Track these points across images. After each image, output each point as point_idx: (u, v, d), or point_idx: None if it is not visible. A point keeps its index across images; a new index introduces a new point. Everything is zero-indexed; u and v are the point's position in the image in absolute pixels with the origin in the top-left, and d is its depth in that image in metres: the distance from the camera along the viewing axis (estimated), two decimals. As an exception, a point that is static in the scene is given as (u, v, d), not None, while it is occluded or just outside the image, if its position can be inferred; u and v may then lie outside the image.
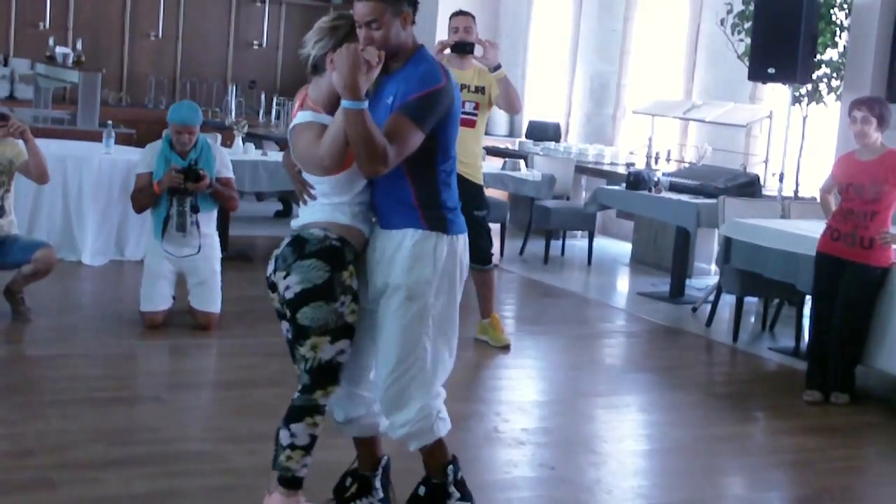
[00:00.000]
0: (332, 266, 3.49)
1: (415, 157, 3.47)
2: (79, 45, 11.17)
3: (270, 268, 3.61)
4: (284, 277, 3.52)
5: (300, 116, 3.57)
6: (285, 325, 3.62)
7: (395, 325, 3.54)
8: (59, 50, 10.88)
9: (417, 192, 3.55)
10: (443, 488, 3.71)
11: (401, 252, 3.55)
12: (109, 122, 8.67)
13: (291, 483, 3.58)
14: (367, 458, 3.87)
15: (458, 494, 3.72)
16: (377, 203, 3.60)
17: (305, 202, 3.62)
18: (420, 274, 3.54)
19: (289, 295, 3.52)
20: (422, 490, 3.75)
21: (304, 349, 3.55)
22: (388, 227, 3.58)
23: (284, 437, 3.58)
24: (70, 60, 10.52)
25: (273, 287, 3.60)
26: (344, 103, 3.34)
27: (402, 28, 3.52)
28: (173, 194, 6.17)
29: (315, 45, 3.57)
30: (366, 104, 3.34)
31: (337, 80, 3.38)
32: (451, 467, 3.73)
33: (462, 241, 3.67)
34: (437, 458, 3.71)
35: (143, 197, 6.26)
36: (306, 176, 3.60)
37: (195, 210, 6.22)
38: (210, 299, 6.36)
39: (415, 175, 3.53)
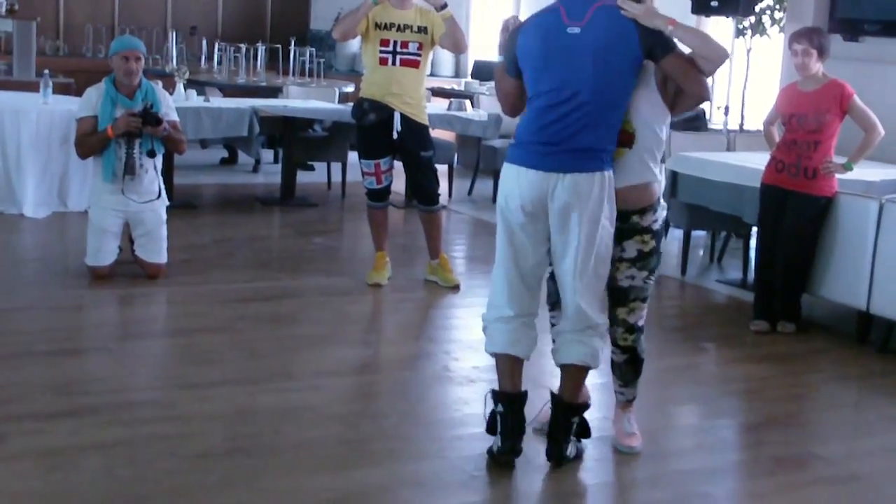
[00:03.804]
0: None
1: None
2: (12, -6, 10.92)
3: None
4: None
5: None
6: None
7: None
8: (-9, -1, 10.66)
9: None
10: (584, 424, 4.08)
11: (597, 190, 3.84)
12: (46, 71, 8.50)
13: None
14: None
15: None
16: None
17: None
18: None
19: None
20: (575, 420, 4.02)
21: None
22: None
23: None
24: (3, 9, 10.31)
25: None
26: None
27: None
28: (125, 138, 6.06)
29: None
30: None
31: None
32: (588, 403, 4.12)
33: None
34: (580, 388, 4.06)
35: (93, 142, 6.08)
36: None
37: (152, 154, 6.12)
38: (157, 249, 6.28)
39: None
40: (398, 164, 6.47)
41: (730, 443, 4.59)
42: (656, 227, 3.99)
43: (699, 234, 7.84)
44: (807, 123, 5.88)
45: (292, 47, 11.18)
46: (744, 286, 6.92)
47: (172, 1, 13.37)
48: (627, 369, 4.20)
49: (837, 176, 5.93)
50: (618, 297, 4.05)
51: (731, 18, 8.33)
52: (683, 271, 7.23)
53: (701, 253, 7.89)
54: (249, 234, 7.87)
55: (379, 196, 6.42)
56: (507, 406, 3.95)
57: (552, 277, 4.09)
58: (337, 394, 4.73)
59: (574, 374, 3.99)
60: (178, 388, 4.61)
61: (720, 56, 3.85)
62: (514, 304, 3.98)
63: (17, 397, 4.38)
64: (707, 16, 8.81)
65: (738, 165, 6.61)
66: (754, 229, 6.61)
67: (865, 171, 6.28)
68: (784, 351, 5.70)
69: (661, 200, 4.02)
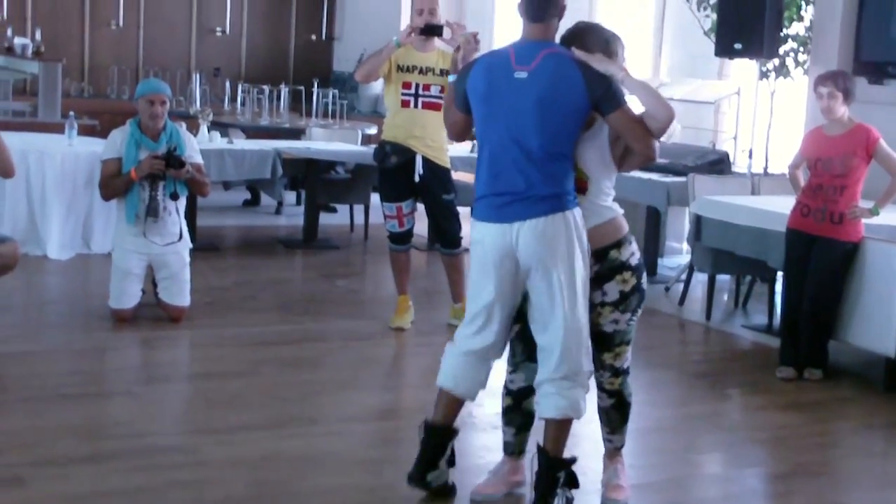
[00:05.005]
0: None
1: None
2: (38, 36, 11.02)
3: None
4: None
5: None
6: None
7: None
8: (17, 41, 10.74)
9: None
10: (572, 474, 3.95)
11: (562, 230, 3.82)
12: (71, 113, 8.55)
13: None
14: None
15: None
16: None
17: None
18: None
19: None
20: (561, 475, 3.92)
21: None
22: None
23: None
24: (29, 51, 10.39)
25: None
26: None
27: None
28: (148, 180, 6.08)
29: None
30: None
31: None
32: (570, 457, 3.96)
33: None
34: (565, 440, 3.91)
35: (117, 184, 6.11)
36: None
37: (175, 197, 6.14)
38: (180, 292, 6.27)
39: None
40: (420, 207, 6.46)
41: (757, 492, 4.53)
42: (635, 261, 3.93)
43: (724, 279, 7.78)
44: (832, 168, 5.84)
45: (315, 89, 11.21)
46: (769, 332, 6.85)
47: (196, 43, 13.48)
48: (614, 414, 4.10)
49: (864, 221, 5.88)
50: (603, 342, 3.96)
51: (754, 61, 8.32)
52: (708, 316, 7.18)
53: (725, 297, 7.83)
54: (272, 277, 7.86)
55: (401, 239, 6.41)
56: (426, 435, 3.97)
57: (518, 336, 4.03)
58: (360, 439, 4.70)
59: (556, 427, 3.90)
60: (200, 433, 4.58)
61: (667, 116, 3.79)
62: (476, 340, 3.98)
63: (39, 441, 4.36)
64: (731, 58, 8.81)
65: (763, 209, 6.57)
66: (779, 274, 6.56)
67: (892, 216, 6.22)
68: (811, 398, 5.63)
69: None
